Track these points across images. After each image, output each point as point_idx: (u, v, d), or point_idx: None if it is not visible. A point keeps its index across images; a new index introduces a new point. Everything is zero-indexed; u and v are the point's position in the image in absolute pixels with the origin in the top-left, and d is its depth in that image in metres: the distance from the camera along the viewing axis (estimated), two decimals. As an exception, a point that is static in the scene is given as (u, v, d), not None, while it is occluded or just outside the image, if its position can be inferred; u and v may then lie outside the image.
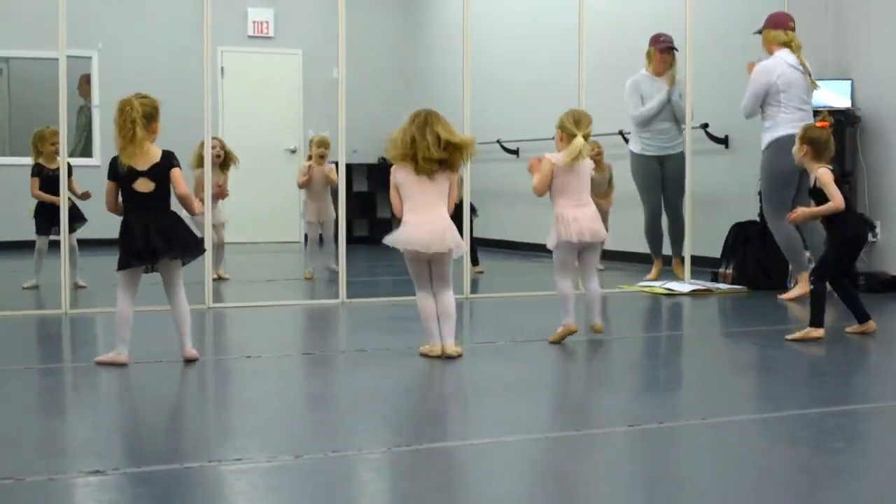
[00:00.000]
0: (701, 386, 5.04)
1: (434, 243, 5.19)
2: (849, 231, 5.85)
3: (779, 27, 7.64)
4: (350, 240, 8.08)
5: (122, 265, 5.05)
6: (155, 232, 4.97)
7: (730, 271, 8.37)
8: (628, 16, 10.20)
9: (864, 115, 8.32)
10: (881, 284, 8.01)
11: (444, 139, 5.18)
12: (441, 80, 12.77)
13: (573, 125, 5.65)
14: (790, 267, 7.80)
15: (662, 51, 8.79)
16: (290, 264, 9.15)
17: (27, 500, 3.09)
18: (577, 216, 5.63)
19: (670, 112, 8.80)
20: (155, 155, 5.03)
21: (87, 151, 12.70)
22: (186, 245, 5.11)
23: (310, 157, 9.31)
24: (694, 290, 7.98)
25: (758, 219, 8.33)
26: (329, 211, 9.19)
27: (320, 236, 9.23)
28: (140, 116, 4.95)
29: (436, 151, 5.17)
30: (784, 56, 7.58)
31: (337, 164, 8.10)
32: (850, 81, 8.38)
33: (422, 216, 5.21)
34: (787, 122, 7.48)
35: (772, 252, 7.99)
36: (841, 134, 8.17)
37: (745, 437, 3.92)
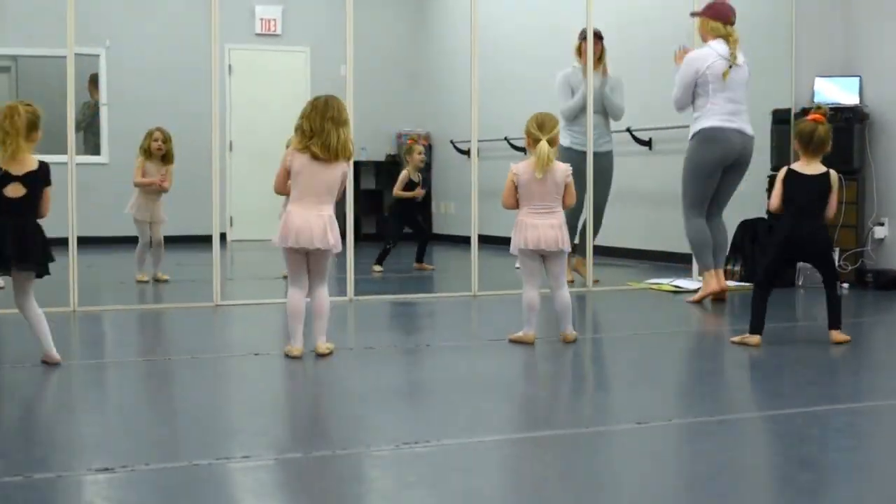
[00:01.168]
0: (709, 383, 5.04)
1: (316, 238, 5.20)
2: (779, 235, 5.68)
3: (719, 19, 7.34)
4: (358, 237, 8.08)
5: None
6: (12, 239, 4.92)
7: (738, 268, 8.36)
8: (635, 13, 10.19)
9: (872, 111, 8.30)
10: (888, 282, 8.00)
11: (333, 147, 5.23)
12: (449, 78, 12.78)
13: (537, 130, 5.58)
14: (797, 266, 7.77)
15: (585, 39, 8.41)
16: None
17: (36, 498, 3.10)
18: (537, 223, 5.53)
19: (601, 107, 8.57)
20: (32, 163, 4.99)
21: (94, 149, 12.70)
22: (39, 259, 5.01)
23: None
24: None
25: (765, 216, 8.31)
26: None
27: None
28: (24, 125, 4.94)
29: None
30: (716, 47, 7.29)
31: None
32: (858, 78, 8.37)
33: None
34: (714, 114, 7.25)
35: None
36: (849, 131, 8.16)
37: (754, 434, 3.92)
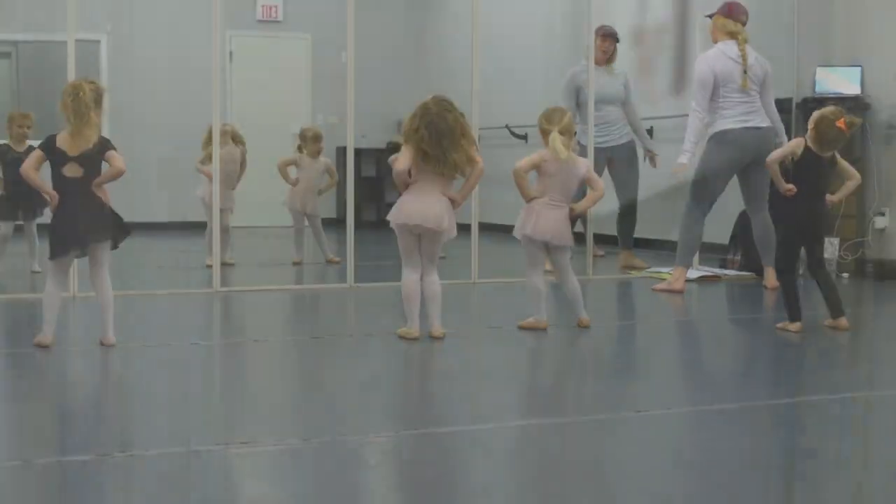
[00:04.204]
0: (708, 372, 5.05)
1: (430, 219, 5.25)
2: (797, 215, 5.69)
3: (731, 17, 7.39)
4: (358, 224, 8.08)
5: (56, 253, 5.01)
6: (81, 219, 4.95)
7: (737, 258, 8.36)
8: (633, 5, 10.17)
9: (873, 101, 8.29)
10: (889, 272, 8.00)
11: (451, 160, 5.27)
12: (450, 64, 12.74)
13: (546, 122, 5.64)
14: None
15: (603, 37, 8.49)
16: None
17: (36, 483, 3.11)
18: (547, 215, 5.56)
19: (617, 102, 8.65)
20: (90, 140, 4.97)
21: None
22: (110, 227, 5.06)
23: (300, 149, 9.26)
24: (702, 277, 7.98)
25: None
26: (316, 203, 9.16)
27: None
28: (92, 101, 4.92)
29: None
30: (724, 48, 7.35)
31: (345, 148, 8.07)
32: (859, 68, 8.35)
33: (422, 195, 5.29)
34: (729, 117, 7.33)
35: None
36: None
37: (753, 423, 3.92)
